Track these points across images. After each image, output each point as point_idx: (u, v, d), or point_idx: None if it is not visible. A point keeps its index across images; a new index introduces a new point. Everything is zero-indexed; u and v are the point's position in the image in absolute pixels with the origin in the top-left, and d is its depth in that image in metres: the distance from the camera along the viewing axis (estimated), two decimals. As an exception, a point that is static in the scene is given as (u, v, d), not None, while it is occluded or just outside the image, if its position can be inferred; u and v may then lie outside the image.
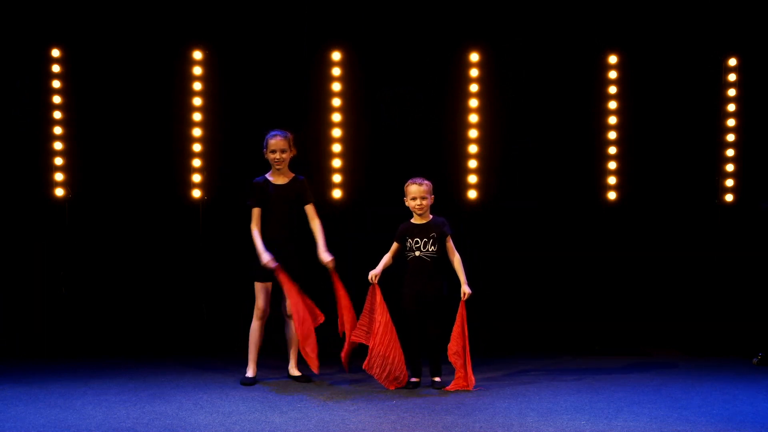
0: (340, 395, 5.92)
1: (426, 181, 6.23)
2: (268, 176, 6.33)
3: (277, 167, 6.27)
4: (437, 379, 6.22)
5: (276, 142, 6.23)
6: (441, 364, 6.23)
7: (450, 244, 6.22)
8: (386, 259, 6.25)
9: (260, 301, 6.27)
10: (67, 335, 7.55)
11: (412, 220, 6.26)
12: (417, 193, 6.18)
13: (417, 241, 6.19)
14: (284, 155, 6.25)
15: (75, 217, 7.62)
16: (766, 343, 7.16)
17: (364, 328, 6.10)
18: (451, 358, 6.07)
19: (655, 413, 5.42)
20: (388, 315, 6.06)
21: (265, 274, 6.22)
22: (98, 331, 7.60)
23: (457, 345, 6.04)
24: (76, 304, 7.61)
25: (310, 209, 6.36)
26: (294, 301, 6.11)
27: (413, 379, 6.20)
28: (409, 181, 6.25)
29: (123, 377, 6.46)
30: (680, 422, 5.20)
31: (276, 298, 6.34)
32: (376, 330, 6.03)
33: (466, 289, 6.10)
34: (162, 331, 7.64)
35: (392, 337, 6.06)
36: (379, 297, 6.08)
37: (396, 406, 5.58)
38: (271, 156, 6.26)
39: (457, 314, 6.05)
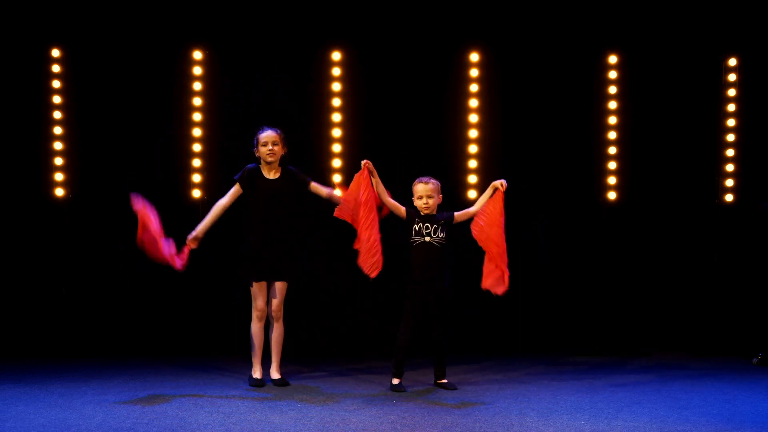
0: (340, 395, 5.92)
1: (433, 180, 6.20)
2: (261, 168, 6.24)
3: (269, 160, 6.16)
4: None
5: (267, 134, 6.17)
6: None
7: None
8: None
9: (259, 302, 6.19)
10: (67, 335, 7.54)
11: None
12: (424, 191, 6.14)
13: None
14: (276, 148, 6.16)
15: (75, 217, 7.62)
16: (766, 343, 7.16)
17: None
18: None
19: (655, 413, 5.42)
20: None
21: (260, 273, 6.15)
22: (98, 331, 7.60)
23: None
24: (76, 304, 7.61)
25: (315, 186, 6.26)
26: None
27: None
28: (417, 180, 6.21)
29: (123, 377, 6.46)
30: (680, 422, 5.20)
31: (267, 297, 6.24)
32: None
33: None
34: (162, 331, 7.64)
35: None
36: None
37: (396, 406, 5.58)
38: (262, 149, 6.17)
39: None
